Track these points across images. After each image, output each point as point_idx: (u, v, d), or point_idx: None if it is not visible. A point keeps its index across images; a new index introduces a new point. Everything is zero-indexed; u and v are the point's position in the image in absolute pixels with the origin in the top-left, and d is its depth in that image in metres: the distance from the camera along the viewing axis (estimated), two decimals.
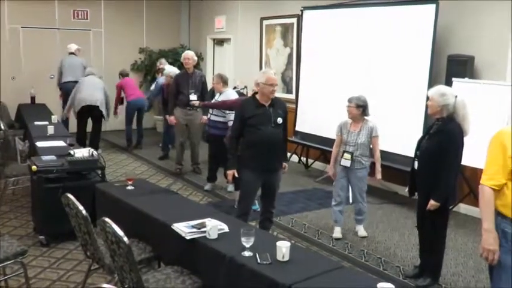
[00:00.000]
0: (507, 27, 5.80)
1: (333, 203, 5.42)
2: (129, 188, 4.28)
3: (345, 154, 5.21)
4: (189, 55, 7.48)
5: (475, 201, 5.45)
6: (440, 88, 4.17)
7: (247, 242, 2.95)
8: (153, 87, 9.22)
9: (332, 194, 5.49)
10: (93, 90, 8.26)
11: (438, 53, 6.25)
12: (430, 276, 4.31)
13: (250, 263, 2.86)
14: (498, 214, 2.89)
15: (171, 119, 7.58)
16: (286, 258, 2.90)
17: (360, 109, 5.15)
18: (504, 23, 5.83)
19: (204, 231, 3.21)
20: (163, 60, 9.78)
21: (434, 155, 4.08)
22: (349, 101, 5.20)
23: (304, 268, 2.83)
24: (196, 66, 7.94)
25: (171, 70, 8.42)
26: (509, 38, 5.79)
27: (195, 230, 3.24)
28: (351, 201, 5.95)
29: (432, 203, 4.07)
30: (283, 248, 2.89)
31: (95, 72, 8.73)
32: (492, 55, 5.99)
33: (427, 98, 4.22)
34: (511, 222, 2.82)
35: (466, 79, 5.85)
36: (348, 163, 5.20)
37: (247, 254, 2.94)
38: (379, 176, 5.28)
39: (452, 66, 6.05)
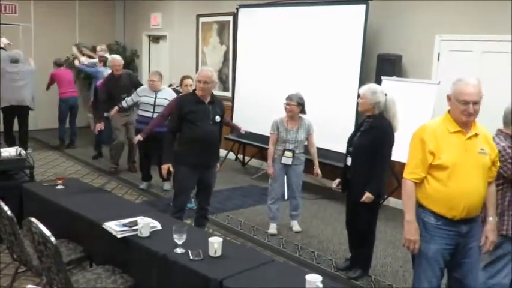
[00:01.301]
0: (432, 28, 6.08)
1: (270, 201, 5.46)
2: (59, 187, 4.17)
3: (286, 152, 5.25)
4: (118, 61, 7.37)
5: None
6: (371, 86, 4.32)
7: (179, 238, 2.95)
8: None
9: (268, 191, 5.56)
10: (20, 88, 7.91)
11: (368, 52, 6.47)
12: (361, 268, 4.45)
13: (182, 259, 2.87)
14: (419, 206, 3.05)
15: (99, 125, 7.42)
16: (219, 253, 2.92)
17: (300, 107, 5.22)
18: (430, 24, 6.11)
19: (136, 230, 3.18)
20: (104, 47, 9.48)
21: (368, 150, 4.19)
22: (290, 98, 5.21)
23: (236, 263, 2.87)
24: (132, 63, 7.76)
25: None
26: (435, 38, 6.07)
27: (126, 228, 3.20)
28: (286, 197, 6.05)
29: (367, 195, 4.18)
30: (215, 244, 2.91)
31: (21, 59, 8.11)
32: (418, 54, 6.26)
33: (358, 96, 4.35)
34: (430, 213, 2.98)
35: (394, 77, 6.09)
36: (289, 161, 5.26)
37: (179, 250, 2.94)
38: (319, 171, 5.35)
39: (382, 64, 6.28)
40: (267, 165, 5.44)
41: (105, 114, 7.49)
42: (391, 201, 6.51)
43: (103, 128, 7.42)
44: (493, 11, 5.54)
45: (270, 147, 5.37)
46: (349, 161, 4.36)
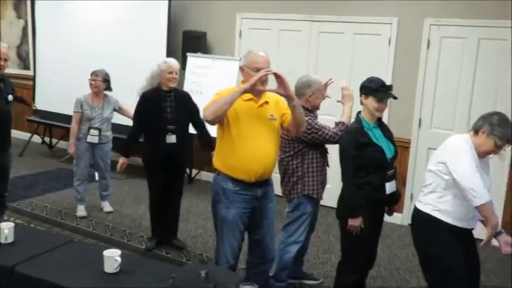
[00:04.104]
0: (234, 7, 6.31)
1: (77, 182, 5.29)
2: None
3: (92, 130, 5.10)
4: None
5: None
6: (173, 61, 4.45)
7: None
8: None
9: (74, 172, 5.33)
10: None
11: (174, 29, 6.50)
12: (172, 238, 4.61)
13: None
14: (218, 173, 3.18)
15: None
16: (10, 239, 2.74)
17: (106, 83, 5.14)
18: (231, 3, 6.33)
19: None
20: None
21: (187, 123, 4.45)
22: (96, 74, 5.11)
23: (30, 247, 2.73)
24: None
25: None
26: (236, 17, 6.33)
27: None
28: (97, 178, 5.85)
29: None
30: (5, 230, 2.73)
31: None
32: (222, 32, 6.46)
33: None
34: (228, 179, 3.12)
35: (199, 54, 6.22)
36: (95, 139, 5.13)
37: None
38: None
39: (187, 41, 6.36)
40: (69, 144, 5.21)
41: None
42: (204, 175, 6.72)
43: None
44: None
45: (74, 126, 5.15)
46: (172, 138, 4.34)
